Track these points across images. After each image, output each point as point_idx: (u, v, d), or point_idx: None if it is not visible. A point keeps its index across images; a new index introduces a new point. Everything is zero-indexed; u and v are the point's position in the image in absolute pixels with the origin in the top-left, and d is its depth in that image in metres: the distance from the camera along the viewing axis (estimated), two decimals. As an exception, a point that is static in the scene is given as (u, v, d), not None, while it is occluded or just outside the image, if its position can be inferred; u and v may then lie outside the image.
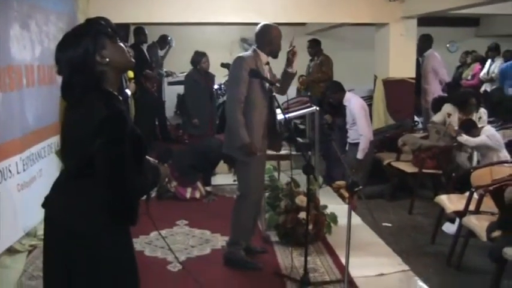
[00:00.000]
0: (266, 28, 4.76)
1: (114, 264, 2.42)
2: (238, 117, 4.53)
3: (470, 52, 11.16)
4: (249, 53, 4.76)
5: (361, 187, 3.56)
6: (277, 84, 4.67)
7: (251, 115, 4.61)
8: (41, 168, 5.58)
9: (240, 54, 4.76)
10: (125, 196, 2.32)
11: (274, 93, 4.48)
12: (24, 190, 5.15)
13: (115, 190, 2.29)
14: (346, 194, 3.54)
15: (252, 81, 4.56)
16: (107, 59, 2.36)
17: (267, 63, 4.77)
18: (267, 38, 4.72)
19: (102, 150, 2.26)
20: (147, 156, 2.62)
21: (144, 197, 2.59)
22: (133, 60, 2.52)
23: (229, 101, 4.69)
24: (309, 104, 5.86)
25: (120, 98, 2.48)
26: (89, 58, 2.33)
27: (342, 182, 3.67)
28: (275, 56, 4.78)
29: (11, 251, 4.90)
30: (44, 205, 2.50)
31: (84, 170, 2.35)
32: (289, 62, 4.78)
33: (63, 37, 2.41)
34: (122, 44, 2.45)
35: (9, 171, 4.88)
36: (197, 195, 7.12)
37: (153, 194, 6.94)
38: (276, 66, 4.89)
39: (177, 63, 10.76)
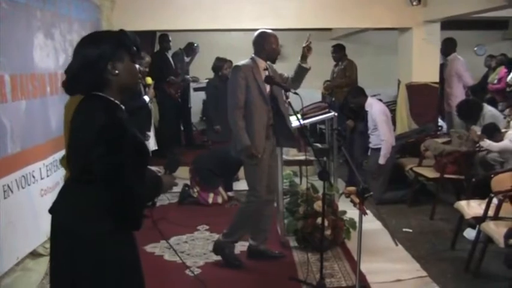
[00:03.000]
0: (262, 35, 4.97)
1: (118, 267, 2.45)
2: (238, 122, 4.78)
3: (494, 56, 11.01)
4: (246, 61, 4.95)
5: (371, 193, 3.58)
6: (292, 90, 4.71)
7: (251, 119, 4.83)
8: (65, 174, 5.68)
9: (237, 63, 4.96)
10: (125, 203, 2.36)
11: (289, 100, 4.52)
12: (48, 195, 5.26)
13: (115, 197, 2.33)
14: (357, 200, 3.56)
15: (250, 87, 4.81)
16: (117, 71, 2.42)
17: (266, 69, 4.92)
18: (263, 44, 4.92)
19: (101, 159, 2.31)
20: (150, 167, 2.64)
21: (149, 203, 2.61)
22: (138, 84, 2.57)
23: (230, 108, 4.89)
24: (327, 110, 5.88)
25: (123, 107, 2.52)
26: (101, 61, 2.39)
27: (352, 188, 3.69)
28: (273, 61, 5.01)
29: (34, 254, 5.01)
30: (50, 210, 2.55)
31: (86, 175, 2.39)
32: (304, 57, 5.03)
33: (89, 34, 2.51)
34: (137, 66, 2.52)
35: (33, 176, 5.01)
36: (219, 200, 7.18)
37: (169, 201, 7.04)
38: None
39: (202, 69, 10.82)
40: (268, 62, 4.96)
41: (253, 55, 4.97)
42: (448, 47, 8.95)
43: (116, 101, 2.48)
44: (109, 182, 2.32)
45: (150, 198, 2.60)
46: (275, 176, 5.24)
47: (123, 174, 2.33)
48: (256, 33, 5.00)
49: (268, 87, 4.88)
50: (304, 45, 4.98)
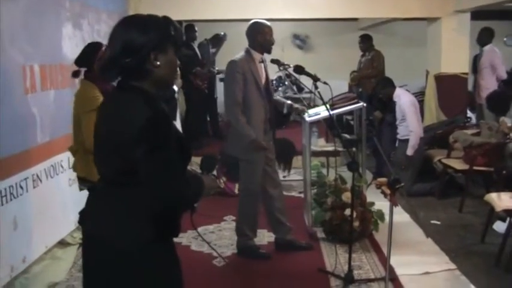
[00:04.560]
0: (254, 26, 4.87)
1: (155, 284, 2.25)
2: (239, 118, 4.73)
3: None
4: (241, 54, 4.86)
5: (402, 184, 3.53)
6: (322, 80, 4.63)
7: (250, 114, 4.79)
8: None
9: (233, 58, 4.86)
10: (172, 206, 2.17)
11: (318, 89, 4.44)
12: (76, 185, 5.29)
13: (161, 199, 2.12)
14: (388, 191, 3.51)
15: (247, 82, 4.74)
16: (158, 63, 2.21)
17: (262, 61, 4.88)
18: (255, 36, 4.83)
19: (147, 157, 2.07)
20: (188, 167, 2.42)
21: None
22: (176, 79, 2.45)
23: (228, 105, 4.84)
24: (356, 100, 5.81)
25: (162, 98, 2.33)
26: (145, 49, 2.18)
27: (383, 179, 3.64)
28: (268, 52, 4.90)
29: (62, 243, 5.07)
30: (80, 221, 2.35)
31: (123, 178, 2.19)
32: (297, 111, 5.10)
33: (131, 17, 2.33)
34: (177, 60, 2.33)
35: (61, 166, 5.06)
36: (245, 190, 7.15)
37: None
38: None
39: (228, 60, 10.79)
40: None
41: (247, 47, 4.89)
42: (484, 37, 8.74)
43: (154, 94, 2.26)
44: (155, 183, 2.11)
45: (193, 201, 2.30)
46: (275, 169, 5.24)
47: (171, 173, 2.12)
48: (249, 23, 4.90)
49: (263, 80, 4.86)
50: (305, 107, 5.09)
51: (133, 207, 2.17)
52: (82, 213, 2.36)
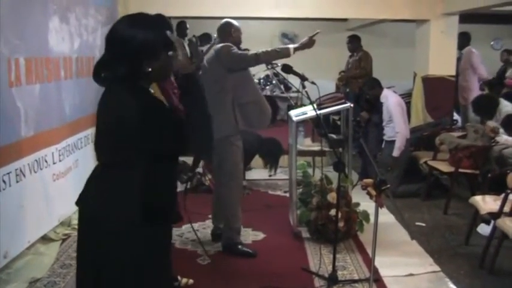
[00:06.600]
0: (229, 23, 5.06)
1: (143, 263, 2.36)
2: (259, 52, 4.82)
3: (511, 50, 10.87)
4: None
5: (388, 186, 3.52)
6: (310, 80, 4.61)
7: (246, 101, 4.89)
8: (77, 159, 5.68)
9: (221, 44, 4.89)
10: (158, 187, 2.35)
11: (306, 89, 4.42)
12: (60, 180, 5.26)
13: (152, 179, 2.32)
14: (374, 192, 3.51)
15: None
16: (149, 69, 2.35)
17: None
18: (230, 31, 5.00)
19: (141, 139, 2.26)
20: None
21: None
22: (170, 76, 2.55)
23: (247, 59, 4.84)
24: (343, 101, 5.80)
25: (151, 90, 2.48)
26: (138, 59, 2.33)
27: (369, 180, 3.63)
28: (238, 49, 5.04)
29: (45, 239, 5.02)
30: (77, 202, 2.46)
31: (117, 163, 2.33)
32: (303, 45, 5.03)
33: (137, 15, 2.41)
34: (171, 54, 2.44)
35: (45, 161, 4.99)
36: (231, 189, 7.12)
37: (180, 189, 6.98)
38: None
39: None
40: None
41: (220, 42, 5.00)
42: (462, 41, 8.94)
43: (147, 87, 2.45)
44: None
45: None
46: None
47: (165, 156, 2.36)
48: (222, 21, 5.06)
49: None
50: (312, 35, 5.05)
51: (124, 191, 2.31)
52: (80, 195, 2.49)
